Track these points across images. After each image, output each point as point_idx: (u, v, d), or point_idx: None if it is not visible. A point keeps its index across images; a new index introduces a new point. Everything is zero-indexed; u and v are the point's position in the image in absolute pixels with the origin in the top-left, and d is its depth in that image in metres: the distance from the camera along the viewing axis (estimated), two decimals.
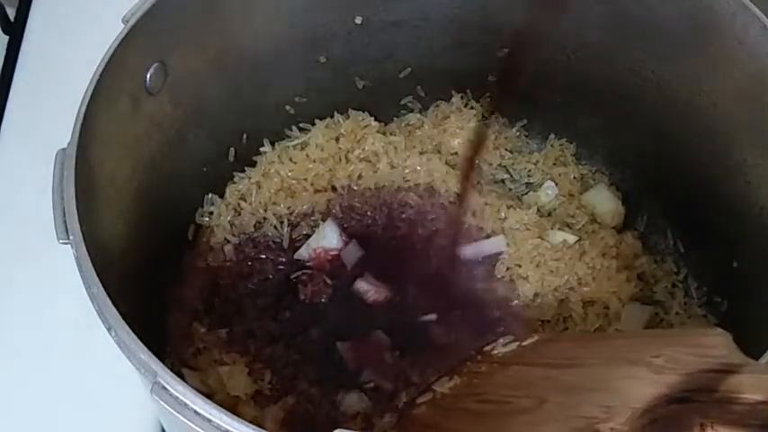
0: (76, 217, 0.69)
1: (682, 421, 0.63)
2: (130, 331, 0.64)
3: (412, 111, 1.09)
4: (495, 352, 0.86)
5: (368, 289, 0.97)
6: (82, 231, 0.69)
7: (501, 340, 0.87)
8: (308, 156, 1.03)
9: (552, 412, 0.73)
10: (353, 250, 0.99)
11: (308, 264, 0.99)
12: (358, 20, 0.99)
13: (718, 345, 0.68)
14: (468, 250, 0.99)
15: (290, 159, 1.03)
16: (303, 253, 0.99)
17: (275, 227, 1.00)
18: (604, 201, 1.05)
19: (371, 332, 0.94)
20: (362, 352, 0.93)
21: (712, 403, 0.63)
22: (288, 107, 1.04)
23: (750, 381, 0.63)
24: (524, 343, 0.84)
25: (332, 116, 1.06)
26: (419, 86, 1.08)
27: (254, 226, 1.00)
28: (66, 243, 0.70)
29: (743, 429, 0.61)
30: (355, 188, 1.02)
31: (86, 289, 0.67)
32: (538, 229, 1.00)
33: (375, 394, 0.91)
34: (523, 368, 0.81)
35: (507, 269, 0.98)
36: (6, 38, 1.23)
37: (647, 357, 0.70)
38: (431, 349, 0.93)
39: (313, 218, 1.01)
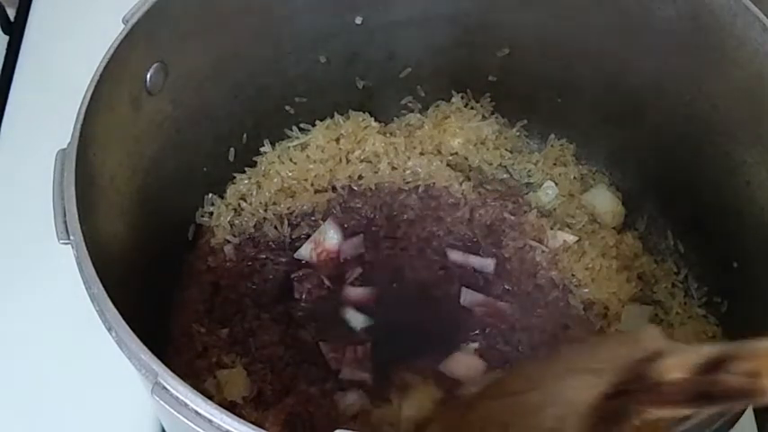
0: (77, 217, 0.69)
1: (620, 413, 0.68)
2: (131, 331, 0.64)
3: (412, 111, 1.09)
4: (465, 393, 0.88)
5: (357, 298, 0.97)
6: (82, 231, 0.69)
7: (474, 381, 0.89)
8: (308, 156, 1.03)
9: None
10: (353, 250, 0.99)
11: (308, 263, 0.99)
12: (358, 20, 0.99)
13: (650, 338, 0.72)
14: (458, 257, 0.99)
15: (291, 160, 1.03)
16: (303, 253, 0.99)
17: (275, 227, 1.00)
18: (604, 201, 1.05)
19: (364, 333, 0.95)
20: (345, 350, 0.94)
21: (645, 390, 0.67)
22: (288, 107, 1.04)
23: (674, 361, 0.67)
24: (489, 380, 0.87)
25: (332, 116, 1.06)
26: (419, 86, 1.08)
27: (255, 226, 1.00)
28: (66, 243, 0.70)
29: (672, 407, 0.66)
30: (356, 188, 1.02)
31: (87, 289, 0.67)
32: (537, 230, 1.00)
33: (373, 392, 0.91)
34: (490, 402, 0.84)
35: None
36: (6, 38, 1.23)
37: (590, 365, 0.74)
38: (423, 348, 0.94)
39: (313, 218, 1.01)
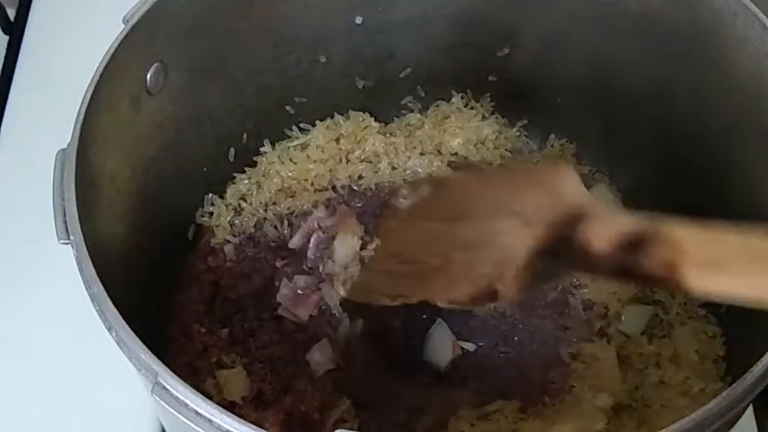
0: (77, 217, 0.69)
1: (554, 271, 0.72)
2: (131, 331, 0.64)
3: (412, 111, 1.09)
4: (400, 205, 0.90)
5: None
6: (82, 232, 0.69)
7: (401, 191, 0.91)
8: (308, 156, 1.03)
9: (458, 271, 0.78)
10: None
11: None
12: (358, 20, 0.99)
13: (567, 185, 0.74)
14: None
15: (291, 160, 1.03)
16: (298, 241, 0.99)
17: (275, 227, 1.00)
18: (604, 201, 1.04)
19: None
20: None
21: (572, 254, 0.69)
22: (288, 107, 1.04)
23: (596, 231, 0.68)
24: (421, 193, 0.89)
25: (332, 116, 1.06)
26: (419, 86, 1.08)
27: (255, 226, 1.00)
28: (66, 243, 0.70)
29: (598, 275, 0.69)
30: (356, 188, 1.02)
31: (87, 289, 0.68)
32: None
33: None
34: (426, 223, 0.86)
35: None
36: (6, 38, 1.23)
37: (516, 207, 0.76)
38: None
39: None
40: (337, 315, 0.95)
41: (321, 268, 0.95)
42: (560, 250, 0.70)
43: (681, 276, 0.63)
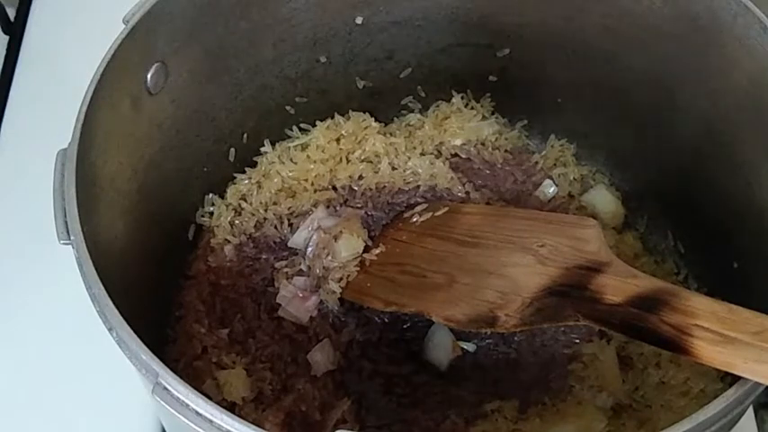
0: (77, 217, 0.69)
1: (559, 312, 0.72)
2: (131, 332, 0.64)
3: (412, 111, 1.09)
4: (414, 220, 0.93)
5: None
6: (83, 232, 0.69)
7: (418, 208, 0.95)
8: (308, 156, 1.03)
9: (461, 292, 0.81)
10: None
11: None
12: (358, 20, 0.99)
13: (591, 239, 0.77)
14: None
15: (291, 160, 1.03)
16: (297, 240, 0.99)
17: (275, 227, 1.00)
18: (604, 201, 1.05)
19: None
20: None
21: (583, 299, 0.71)
22: (288, 107, 1.04)
23: (612, 283, 0.70)
24: (437, 213, 0.93)
25: (332, 116, 1.06)
26: (419, 86, 1.08)
27: (255, 226, 1.00)
28: (66, 243, 0.70)
29: (604, 325, 0.70)
30: (356, 189, 1.02)
31: (87, 289, 0.68)
32: None
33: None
34: (437, 241, 0.88)
35: None
36: (6, 38, 1.23)
37: (534, 245, 0.78)
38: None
39: None
40: (338, 316, 0.95)
41: (319, 268, 0.95)
42: (571, 294, 0.71)
43: (690, 344, 0.63)
